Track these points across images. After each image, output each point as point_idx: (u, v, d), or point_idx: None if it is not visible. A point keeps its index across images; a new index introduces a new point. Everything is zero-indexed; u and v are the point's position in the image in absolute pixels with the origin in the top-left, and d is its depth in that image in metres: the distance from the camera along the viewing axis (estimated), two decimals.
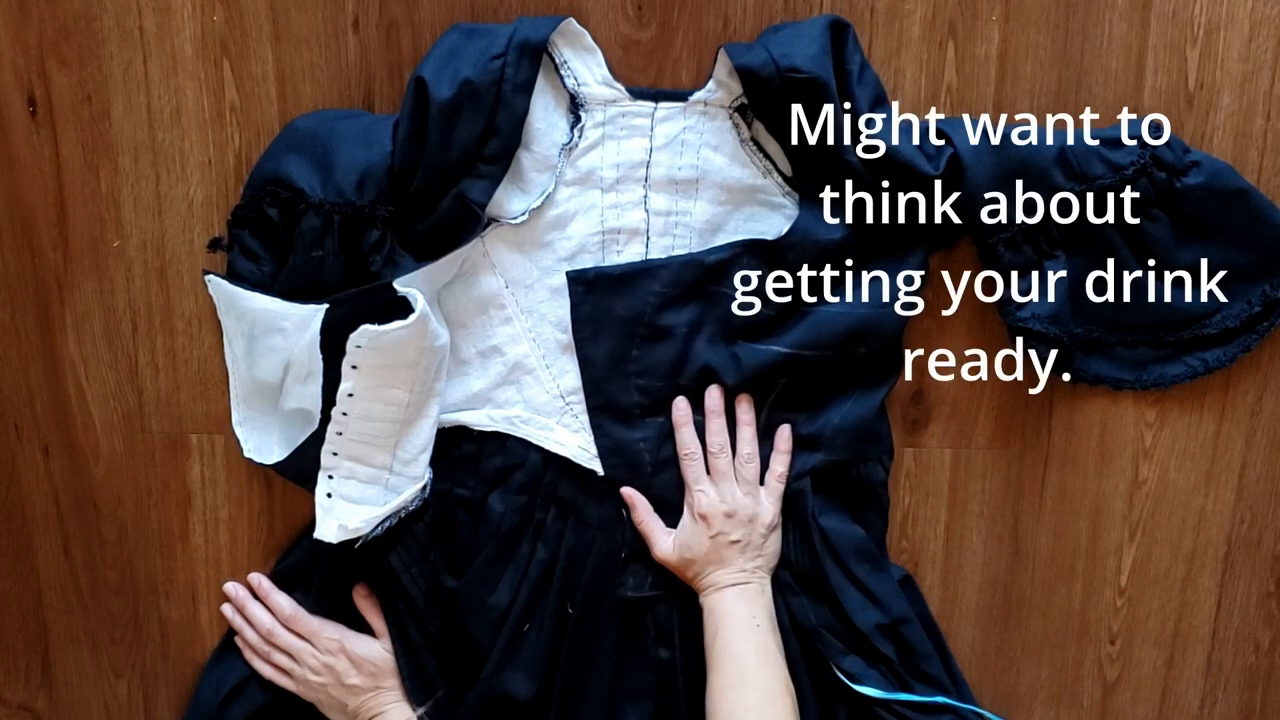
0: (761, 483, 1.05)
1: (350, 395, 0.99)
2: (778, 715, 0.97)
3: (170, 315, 1.07)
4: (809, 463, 1.06)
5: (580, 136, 1.01)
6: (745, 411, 1.05)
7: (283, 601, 1.09)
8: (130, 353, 1.08)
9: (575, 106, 1.01)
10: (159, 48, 1.01)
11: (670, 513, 1.05)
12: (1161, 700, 1.18)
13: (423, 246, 0.99)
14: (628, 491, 1.05)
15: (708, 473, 1.04)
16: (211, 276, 1.03)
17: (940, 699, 1.06)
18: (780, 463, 1.05)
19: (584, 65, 1.00)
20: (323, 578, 1.08)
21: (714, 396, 1.04)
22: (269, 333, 1.00)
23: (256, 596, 1.10)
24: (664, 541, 1.05)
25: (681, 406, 1.04)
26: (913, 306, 1.04)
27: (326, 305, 0.97)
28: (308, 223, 0.97)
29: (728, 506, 1.03)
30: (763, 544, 1.03)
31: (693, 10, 1.01)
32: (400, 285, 0.97)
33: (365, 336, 0.97)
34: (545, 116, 1.00)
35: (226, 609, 1.12)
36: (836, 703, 1.07)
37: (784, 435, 1.05)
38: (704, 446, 1.04)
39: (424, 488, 1.04)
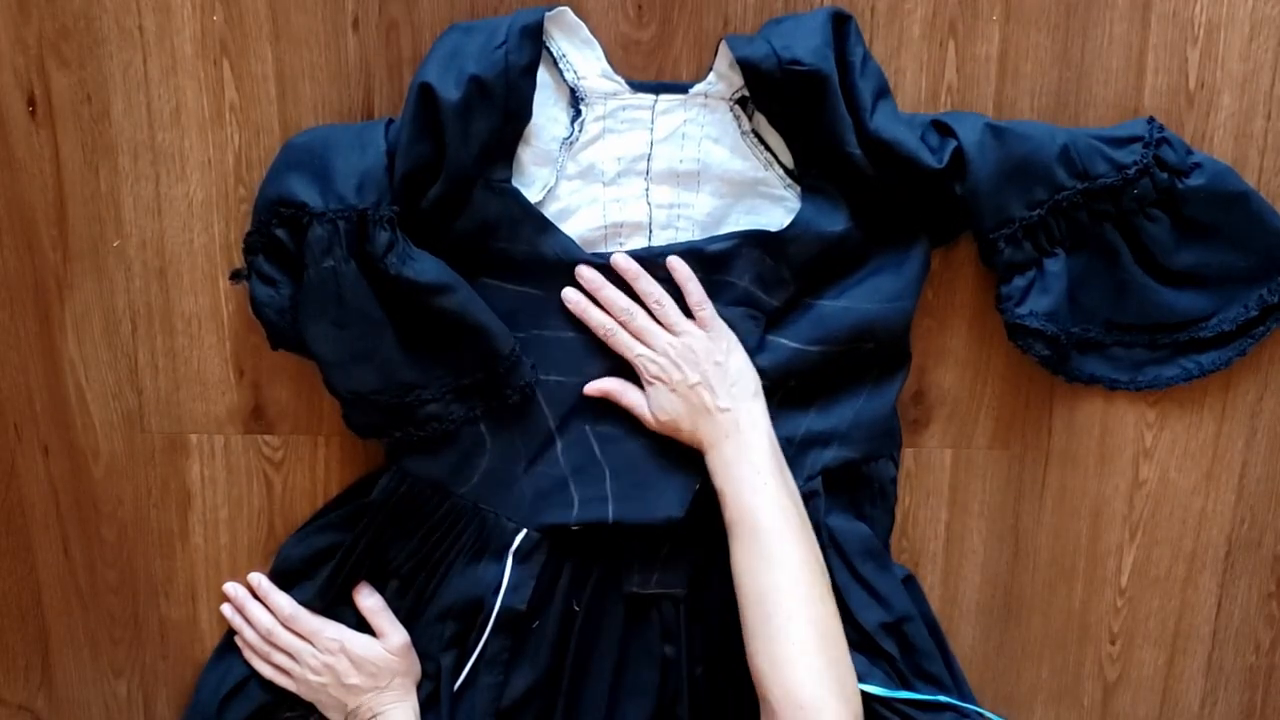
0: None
1: None
2: (808, 592, 0.94)
3: (170, 315, 1.06)
4: (822, 460, 1.05)
5: (581, 131, 1.01)
6: (628, 262, 1.02)
7: (282, 601, 1.08)
8: (130, 352, 1.08)
9: (575, 101, 1.01)
10: (159, 47, 1.01)
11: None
12: (1162, 700, 1.18)
13: (468, 240, 0.99)
14: (598, 386, 1.03)
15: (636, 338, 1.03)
16: None
17: (942, 698, 1.06)
18: (693, 291, 1.02)
19: (582, 58, 1.00)
20: (325, 577, 1.08)
21: (588, 272, 1.02)
22: None
23: (256, 596, 1.10)
24: (647, 416, 1.03)
25: (573, 296, 1.02)
26: (915, 302, 1.04)
27: None
28: (314, 234, 0.96)
29: (667, 357, 1.01)
30: (724, 372, 1.01)
31: (693, 9, 1.01)
32: None
33: None
34: (545, 111, 1.00)
35: (226, 609, 1.12)
36: None
37: (678, 264, 1.02)
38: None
39: None
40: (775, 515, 0.96)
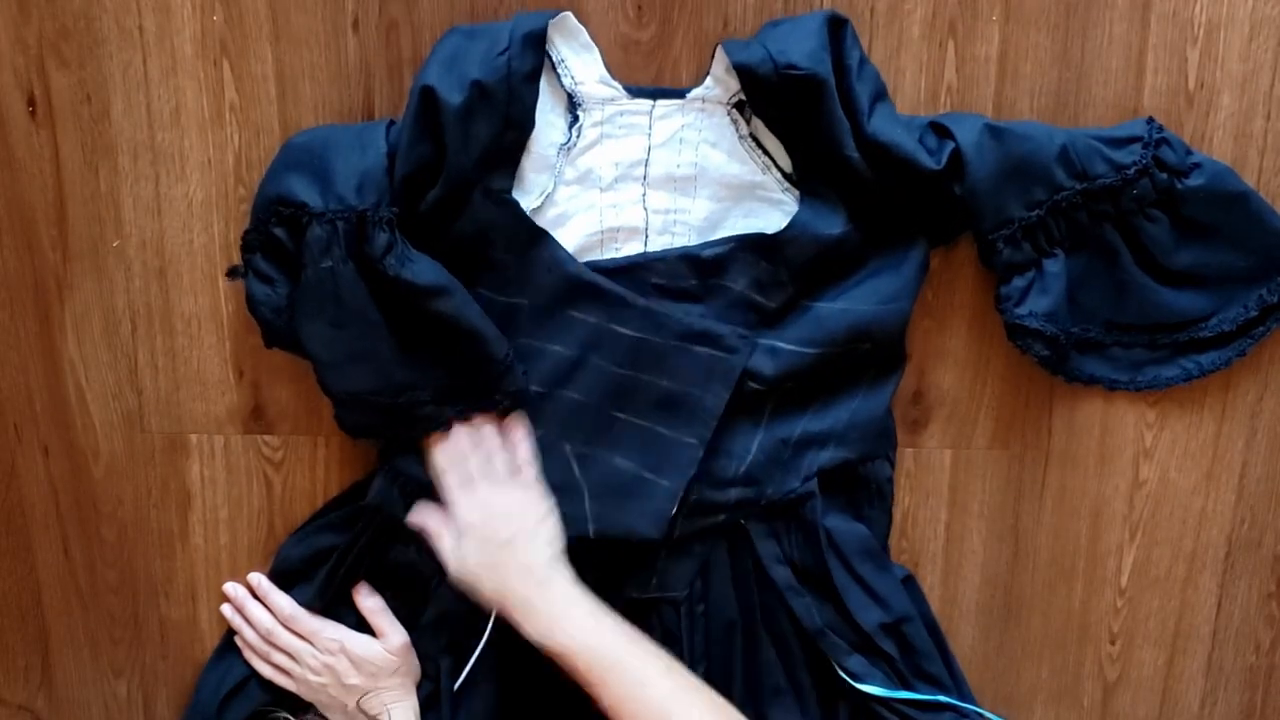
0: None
1: None
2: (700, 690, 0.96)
3: (170, 315, 1.07)
4: (818, 461, 1.05)
5: (578, 136, 1.01)
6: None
7: (282, 601, 1.08)
8: (130, 353, 1.08)
9: (573, 106, 1.01)
10: (159, 47, 1.01)
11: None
12: (1162, 701, 1.18)
13: (464, 245, 0.99)
14: (417, 519, 1.03)
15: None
16: None
17: (942, 698, 1.06)
18: (521, 452, 1.02)
19: (581, 63, 1.00)
20: (324, 577, 1.08)
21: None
22: None
23: (256, 596, 1.10)
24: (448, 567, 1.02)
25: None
26: (912, 303, 1.04)
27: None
28: (313, 234, 0.95)
29: (488, 509, 1.00)
30: (533, 536, 1.00)
31: (693, 10, 1.01)
32: None
33: None
34: (543, 116, 1.00)
35: (226, 609, 1.12)
36: (838, 701, 1.07)
37: (516, 423, 1.02)
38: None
39: None
40: (633, 639, 0.97)
